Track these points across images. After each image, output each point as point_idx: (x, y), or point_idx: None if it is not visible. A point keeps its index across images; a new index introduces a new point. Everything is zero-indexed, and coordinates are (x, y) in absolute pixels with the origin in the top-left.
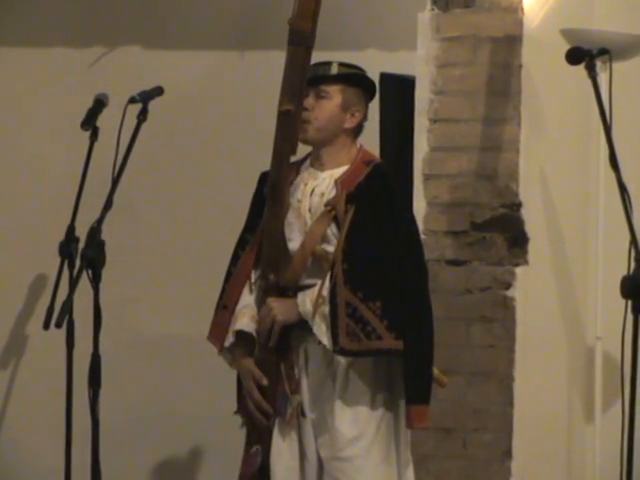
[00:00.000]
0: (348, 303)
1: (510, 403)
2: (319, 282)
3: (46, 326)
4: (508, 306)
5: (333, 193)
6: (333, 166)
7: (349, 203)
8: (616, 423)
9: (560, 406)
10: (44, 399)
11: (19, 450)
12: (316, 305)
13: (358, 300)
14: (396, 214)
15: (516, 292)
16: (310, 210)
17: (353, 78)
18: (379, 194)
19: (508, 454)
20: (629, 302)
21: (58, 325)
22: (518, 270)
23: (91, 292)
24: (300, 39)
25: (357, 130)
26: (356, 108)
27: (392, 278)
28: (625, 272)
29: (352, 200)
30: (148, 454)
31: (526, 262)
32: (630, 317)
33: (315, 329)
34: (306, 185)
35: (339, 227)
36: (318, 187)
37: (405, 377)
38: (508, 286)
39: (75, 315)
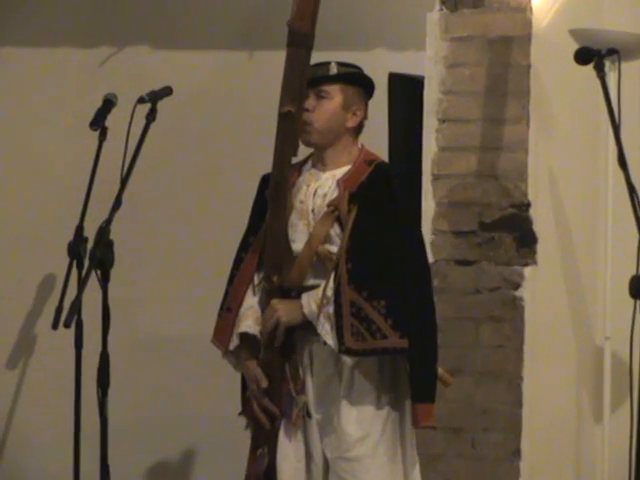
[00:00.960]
0: (353, 303)
1: (519, 403)
2: (323, 283)
3: (55, 326)
4: (517, 306)
5: (336, 193)
6: (335, 166)
7: (352, 203)
8: (625, 423)
9: (569, 406)
10: (53, 399)
11: (28, 449)
12: (321, 305)
13: (362, 299)
14: (398, 213)
15: (525, 292)
16: (313, 211)
17: (352, 77)
18: (381, 193)
19: (517, 454)
20: (638, 302)
21: (67, 325)
22: (527, 270)
23: (100, 292)
24: (299, 40)
25: (358, 129)
26: (357, 107)
27: (396, 277)
28: (634, 272)
29: (355, 200)
30: (156, 453)
31: (535, 262)
32: (639, 317)
33: (320, 329)
34: (308, 186)
35: (342, 227)
36: (321, 188)
37: (410, 375)
38: (517, 286)
39: (84, 315)
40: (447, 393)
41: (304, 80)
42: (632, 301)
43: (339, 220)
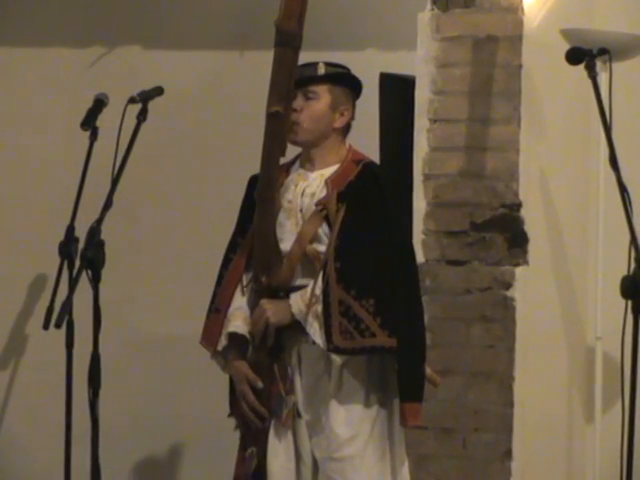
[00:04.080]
0: (341, 301)
1: (510, 403)
2: (311, 282)
3: (46, 326)
4: (508, 306)
5: (324, 193)
6: (323, 166)
7: (340, 202)
8: (616, 423)
9: (560, 406)
10: (44, 399)
11: (19, 449)
12: (309, 305)
13: (351, 298)
14: (386, 212)
15: (516, 292)
16: (301, 211)
17: (340, 77)
18: (370, 193)
19: (508, 454)
20: (629, 302)
21: (58, 325)
22: (518, 270)
23: (91, 292)
24: (287, 40)
25: (346, 129)
26: (345, 107)
27: (384, 276)
28: (625, 272)
29: (343, 199)
30: (147, 453)
31: (526, 262)
32: (630, 317)
33: (308, 329)
34: (297, 186)
35: (330, 227)
36: (309, 187)
37: (398, 375)
38: (508, 286)
39: (75, 315)
40: (438, 393)
41: (292, 80)
42: (623, 301)
43: (327, 219)
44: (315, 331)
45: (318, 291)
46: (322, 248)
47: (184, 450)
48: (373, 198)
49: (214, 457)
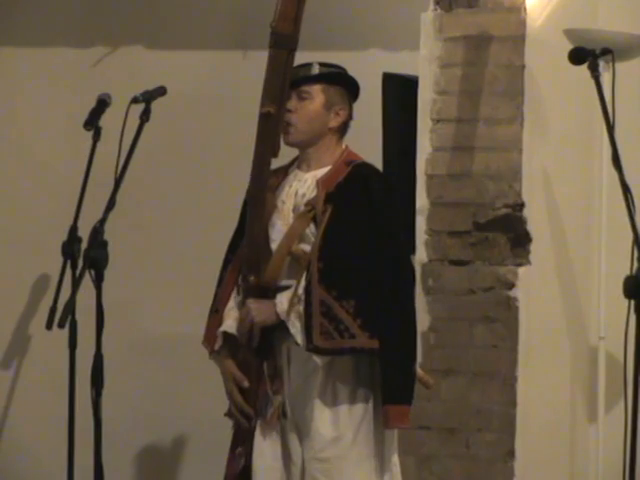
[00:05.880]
0: (322, 302)
1: (513, 403)
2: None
3: (49, 326)
4: (511, 306)
5: (315, 193)
6: (318, 167)
7: (328, 203)
8: (619, 423)
9: (563, 406)
10: (47, 399)
11: (22, 449)
12: (292, 304)
13: (332, 299)
14: (374, 213)
15: (519, 292)
16: (294, 211)
17: (335, 77)
18: (357, 194)
19: (511, 454)
20: (632, 302)
21: (61, 325)
22: (521, 270)
23: (94, 292)
24: (281, 42)
25: (342, 130)
26: (340, 107)
27: (367, 277)
28: (628, 272)
29: (331, 200)
30: (150, 454)
31: (529, 262)
32: (633, 317)
33: (291, 328)
34: (291, 187)
35: (318, 227)
36: (301, 188)
37: (382, 377)
38: (511, 286)
39: (78, 315)
40: (441, 393)
41: (286, 81)
42: (626, 301)
43: (315, 220)
44: (297, 331)
45: (301, 291)
46: (309, 248)
47: (187, 449)
48: (360, 199)
49: (216, 456)
